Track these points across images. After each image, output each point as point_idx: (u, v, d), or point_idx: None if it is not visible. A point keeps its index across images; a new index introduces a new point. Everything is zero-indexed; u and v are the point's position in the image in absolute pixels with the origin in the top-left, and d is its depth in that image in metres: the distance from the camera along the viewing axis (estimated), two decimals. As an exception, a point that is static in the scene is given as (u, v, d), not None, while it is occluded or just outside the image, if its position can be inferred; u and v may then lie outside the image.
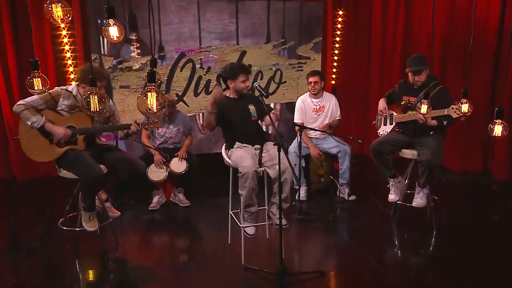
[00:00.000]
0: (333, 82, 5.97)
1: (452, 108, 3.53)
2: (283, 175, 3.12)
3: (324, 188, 4.92)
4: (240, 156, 3.25)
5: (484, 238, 3.84)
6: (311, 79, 4.73)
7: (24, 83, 4.87)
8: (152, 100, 1.80)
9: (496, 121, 2.50)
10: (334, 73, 5.93)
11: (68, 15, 1.71)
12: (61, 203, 4.71)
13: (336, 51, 5.85)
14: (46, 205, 4.72)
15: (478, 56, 5.41)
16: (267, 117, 3.32)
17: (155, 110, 1.82)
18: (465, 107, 2.75)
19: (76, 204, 3.55)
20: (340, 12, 5.80)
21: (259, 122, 3.63)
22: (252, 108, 3.50)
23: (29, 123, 3.25)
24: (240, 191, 3.24)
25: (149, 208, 4.50)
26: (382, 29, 6.02)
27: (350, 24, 5.95)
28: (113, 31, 1.83)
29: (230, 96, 3.56)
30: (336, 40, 5.83)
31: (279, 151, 2.89)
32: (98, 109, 2.13)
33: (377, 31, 6.05)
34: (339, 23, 5.81)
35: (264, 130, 3.74)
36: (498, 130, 2.52)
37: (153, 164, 4.42)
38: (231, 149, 3.46)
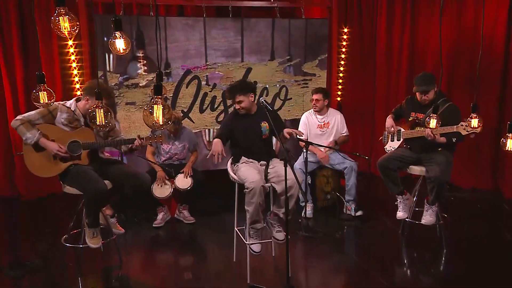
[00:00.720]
0: (338, 99, 5.95)
1: (462, 125, 3.48)
2: (290, 191, 3.08)
3: (331, 205, 4.85)
4: (247, 172, 3.22)
5: (496, 257, 3.75)
6: (314, 96, 4.74)
7: (30, 101, 4.89)
8: (158, 112, 1.77)
9: (508, 135, 2.46)
10: (339, 89, 5.91)
11: (75, 28, 1.70)
12: (65, 220, 4.67)
13: (342, 68, 5.85)
14: (49, 223, 4.69)
15: (485, 72, 5.38)
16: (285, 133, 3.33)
17: (161, 123, 1.80)
18: (474, 122, 2.71)
19: (80, 220, 3.51)
20: (345, 30, 5.82)
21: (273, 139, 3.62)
22: (264, 125, 3.44)
23: (24, 139, 3.24)
24: (246, 207, 3.20)
25: (154, 225, 4.44)
26: (387, 46, 6.02)
27: (355, 41, 5.96)
28: (120, 44, 1.82)
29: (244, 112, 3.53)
30: (341, 57, 5.84)
31: (285, 166, 2.85)
32: (104, 123, 2.11)
33: (382, 48, 6.05)
34: (344, 40, 5.83)
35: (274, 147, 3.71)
36: (511, 144, 2.48)
37: (157, 181, 4.40)
38: (237, 164, 3.43)
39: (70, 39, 4.88)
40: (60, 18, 1.66)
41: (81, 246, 3.47)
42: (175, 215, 4.67)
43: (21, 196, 5.30)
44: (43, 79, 2.03)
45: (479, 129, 3.21)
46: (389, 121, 4.03)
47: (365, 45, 6.10)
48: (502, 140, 2.63)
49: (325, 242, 4.11)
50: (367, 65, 6.16)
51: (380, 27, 6.02)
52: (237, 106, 3.45)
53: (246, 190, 3.14)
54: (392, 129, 3.98)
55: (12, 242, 4.30)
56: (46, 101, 2.02)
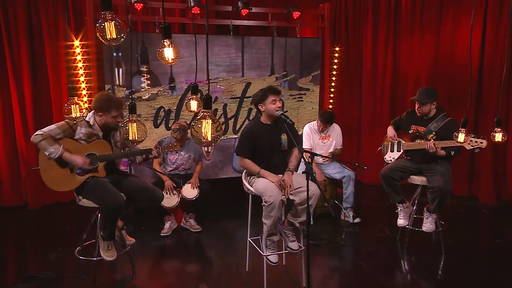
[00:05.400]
0: (330, 112, 5.72)
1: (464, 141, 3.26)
2: (309, 201, 2.78)
3: (328, 212, 4.59)
4: (265, 184, 2.90)
5: (490, 261, 3.57)
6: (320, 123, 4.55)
7: (38, 115, 4.44)
8: (207, 128, 1.45)
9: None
10: (331, 104, 5.69)
11: (122, 35, 1.37)
12: (74, 230, 4.24)
13: (333, 84, 5.64)
14: (58, 233, 4.24)
15: (461, 90, 5.29)
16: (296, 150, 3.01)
17: (209, 139, 1.48)
18: (498, 136, 2.50)
19: (93, 232, 3.11)
20: (337, 48, 5.63)
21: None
22: (284, 137, 3.10)
23: (47, 154, 2.84)
24: (264, 220, 2.89)
25: (161, 234, 4.07)
26: (372, 65, 5.88)
27: (343, 60, 5.77)
28: (168, 53, 1.50)
29: (264, 122, 3.12)
30: (333, 73, 5.63)
31: (307, 178, 2.56)
32: (136, 137, 1.77)
33: (367, 67, 5.90)
34: (335, 58, 5.63)
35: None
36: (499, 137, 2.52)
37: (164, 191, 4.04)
38: (253, 175, 3.11)
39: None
40: (106, 24, 1.33)
41: (95, 259, 3.05)
42: (181, 224, 4.30)
43: (27, 205, 4.82)
44: (75, 92, 1.68)
45: (484, 144, 3.02)
46: (390, 131, 3.81)
47: (352, 63, 5.93)
48: (492, 134, 2.64)
49: (332, 249, 3.83)
50: (353, 82, 5.98)
51: (365, 47, 5.86)
52: (279, 104, 3.00)
53: (264, 203, 2.83)
54: (395, 138, 3.76)
55: (22, 253, 3.81)
56: (78, 115, 1.67)
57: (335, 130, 4.64)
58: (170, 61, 1.56)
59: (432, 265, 3.47)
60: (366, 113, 6.01)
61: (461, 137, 2.28)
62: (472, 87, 5.24)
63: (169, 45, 1.50)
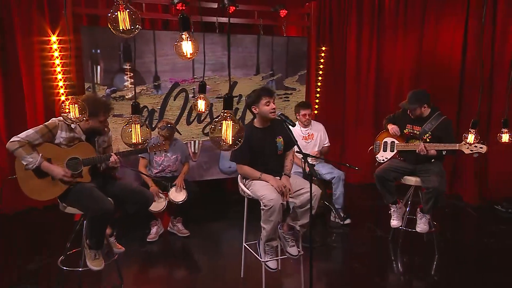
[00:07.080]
0: (315, 112, 5.66)
1: (464, 144, 3.18)
2: (308, 204, 2.69)
3: (318, 213, 4.51)
4: (264, 188, 2.77)
5: (482, 260, 3.59)
6: (304, 112, 4.41)
7: (10, 117, 4.13)
8: (228, 131, 1.32)
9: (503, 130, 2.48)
10: (317, 103, 5.64)
11: (137, 25, 1.22)
12: (52, 238, 3.98)
13: (319, 83, 5.59)
14: (35, 240, 3.96)
15: (444, 88, 5.36)
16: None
17: (231, 143, 1.35)
18: (505, 137, 2.48)
19: (77, 239, 2.89)
20: (323, 48, 5.58)
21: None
22: (280, 141, 2.95)
23: (24, 163, 2.60)
24: (263, 225, 2.76)
25: (148, 239, 3.88)
26: (356, 65, 5.87)
27: (328, 60, 5.73)
28: (187, 47, 1.35)
29: (258, 126, 2.98)
30: (319, 73, 5.58)
31: (310, 181, 2.46)
32: (140, 140, 1.62)
33: (351, 67, 5.88)
34: (322, 58, 5.57)
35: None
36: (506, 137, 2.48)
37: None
38: (250, 179, 2.98)
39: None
40: (118, 13, 1.17)
41: (80, 270, 2.84)
42: (168, 228, 4.12)
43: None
44: (74, 90, 1.50)
45: (484, 150, 2.99)
46: (395, 126, 3.69)
47: (336, 63, 5.89)
48: (499, 135, 2.71)
49: (324, 251, 3.75)
50: (338, 82, 5.94)
51: (349, 47, 5.84)
52: (273, 106, 2.87)
53: (264, 207, 2.70)
54: (398, 132, 3.67)
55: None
56: (78, 116, 1.50)
57: (318, 128, 4.57)
58: (188, 56, 1.42)
59: (426, 265, 3.45)
60: (350, 112, 5.99)
61: (470, 137, 2.25)
62: (455, 87, 5.36)
63: (187, 38, 1.35)
